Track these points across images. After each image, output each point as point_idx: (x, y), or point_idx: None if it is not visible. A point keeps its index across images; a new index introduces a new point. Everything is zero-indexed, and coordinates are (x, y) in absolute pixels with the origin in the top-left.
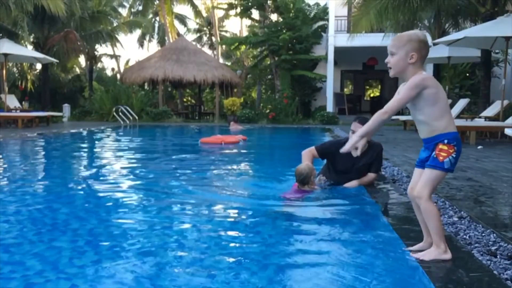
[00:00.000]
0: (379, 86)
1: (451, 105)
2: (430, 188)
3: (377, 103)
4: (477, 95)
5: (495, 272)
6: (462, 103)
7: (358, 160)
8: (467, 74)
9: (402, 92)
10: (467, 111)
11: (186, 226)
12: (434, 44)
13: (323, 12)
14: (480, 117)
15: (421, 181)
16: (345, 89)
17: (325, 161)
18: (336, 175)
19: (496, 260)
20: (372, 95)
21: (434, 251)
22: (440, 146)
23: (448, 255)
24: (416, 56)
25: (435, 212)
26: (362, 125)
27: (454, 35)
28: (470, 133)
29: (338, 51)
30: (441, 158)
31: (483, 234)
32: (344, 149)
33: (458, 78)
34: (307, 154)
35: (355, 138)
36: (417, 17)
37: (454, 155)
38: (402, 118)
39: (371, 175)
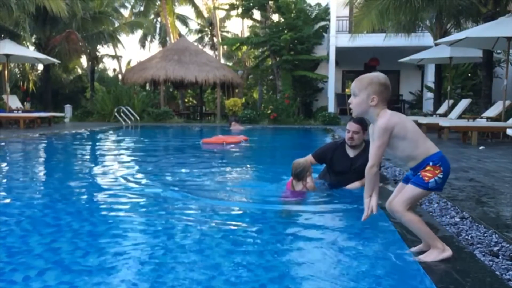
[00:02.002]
0: None
1: (453, 106)
2: (407, 204)
3: None
4: (478, 95)
5: (497, 272)
6: (463, 103)
7: (356, 161)
8: (469, 75)
9: (376, 141)
10: (469, 111)
11: (188, 226)
12: (436, 45)
13: (325, 13)
14: (481, 118)
15: (401, 195)
16: (347, 90)
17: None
18: (336, 177)
19: (498, 261)
20: None
21: (433, 252)
22: (427, 168)
23: (447, 253)
24: (377, 99)
25: (416, 220)
26: (357, 124)
27: (455, 36)
28: (471, 133)
29: (340, 51)
30: (426, 178)
31: (485, 235)
32: (364, 218)
33: (459, 78)
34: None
35: (366, 201)
36: (419, 17)
37: (440, 176)
38: None
39: None
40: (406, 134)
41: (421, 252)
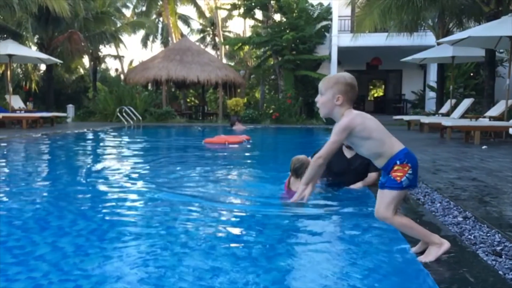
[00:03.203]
0: (383, 86)
1: (456, 105)
2: (391, 208)
3: (381, 103)
4: (481, 94)
5: (500, 272)
6: (466, 102)
7: (353, 161)
8: (471, 74)
9: (332, 136)
10: (472, 111)
11: (190, 226)
12: (438, 44)
13: (327, 12)
14: (484, 117)
15: (382, 202)
16: None
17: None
18: (335, 177)
19: (501, 260)
20: (375, 95)
21: (432, 250)
22: (395, 167)
23: (445, 246)
24: (342, 98)
25: (407, 222)
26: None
27: (458, 35)
28: (474, 133)
29: (342, 51)
30: (398, 178)
31: (488, 234)
32: (293, 200)
33: (462, 77)
34: None
35: (301, 187)
36: (421, 16)
37: (410, 172)
38: (406, 118)
39: (372, 175)
40: (370, 134)
41: (422, 252)
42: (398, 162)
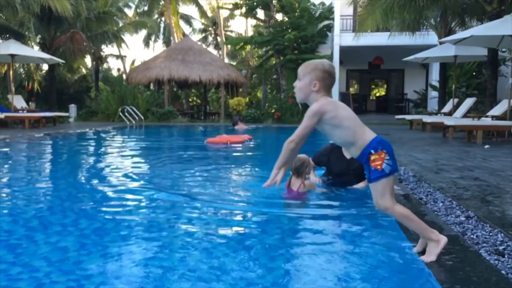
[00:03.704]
0: (385, 86)
1: (458, 104)
2: (388, 196)
3: (383, 103)
4: (483, 94)
5: (503, 272)
6: (468, 102)
7: (353, 162)
8: (474, 73)
9: (303, 121)
10: (474, 110)
11: (192, 226)
12: (441, 43)
13: (329, 12)
14: (487, 116)
15: (376, 195)
16: (351, 89)
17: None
18: (336, 178)
19: (504, 260)
20: (378, 94)
21: (431, 248)
22: (372, 157)
23: (443, 241)
24: (319, 84)
25: (407, 213)
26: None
27: (460, 34)
28: (477, 132)
29: (344, 50)
30: (378, 167)
31: (491, 234)
32: (265, 185)
33: (464, 77)
34: None
35: (274, 172)
36: (423, 16)
37: (387, 157)
38: (408, 117)
39: None
40: (341, 122)
41: (423, 251)
42: (372, 151)
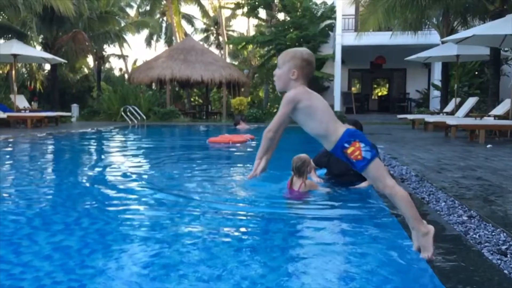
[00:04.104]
0: (387, 85)
1: (460, 104)
2: (384, 177)
3: (385, 102)
4: (486, 93)
5: (505, 271)
6: (471, 101)
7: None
8: (476, 73)
9: (280, 109)
10: (476, 109)
11: (193, 225)
12: (443, 43)
13: (331, 11)
14: (489, 116)
15: (373, 180)
16: (353, 88)
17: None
18: (337, 178)
19: (506, 260)
20: (380, 94)
21: (425, 241)
22: (348, 151)
23: (432, 232)
24: (297, 73)
25: (406, 196)
26: (351, 126)
27: (462, 33)
28: (479, 132)
29: (346, 50)
30: (359, 157)
31: (493, 233)
32: (249, 176)
33: (467, 76)
34: None
35: (256, 162)
36: (425, 15)
37: (363, 145)
38: (410, 117)
39: None
40: (315, 112)
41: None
42: (346, 145)
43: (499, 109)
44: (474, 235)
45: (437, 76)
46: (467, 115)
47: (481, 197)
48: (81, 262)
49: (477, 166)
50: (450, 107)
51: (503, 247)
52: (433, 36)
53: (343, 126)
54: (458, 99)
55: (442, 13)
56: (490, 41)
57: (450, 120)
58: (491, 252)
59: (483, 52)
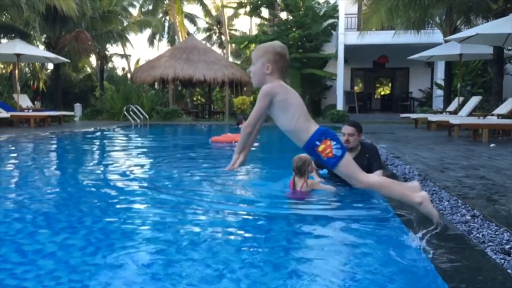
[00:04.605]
0: (390, 84)
1: (463, 103)
2: (356, 172)
3: (388, 101)
4: (489, 92)
5: (509, 271)
6: (474, 100)
7: None
8: (479, 72)
9: (257, 103)
10: (480, 108)
11: (197, 225)
12: (446, 42)
13: (333, 10)
14: (492, 115)
15: (348, 177)
16: (356, 87)
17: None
18: (339, 178)
19: (510, 259)
20: (382, 93)
21: (426, 209)
22: (319, 149)
23: (426, 197)
24: (271, 67)
25: (387, 181)
26: (351, 127)
27: (466, 32)
28: (482, 131)
29: (348, 49)
30: (330, 155)
31: (497, 233)
32: (226, 169)
33: (470, 75)
34: None
35: (234, 156)
36: (428, 14)
37: (334, 143)
38: (413, 116)
39: (378, 173)
40: (289, 107)
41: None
42: (317, 143)
43: (503, 108)
44: (478, 235)
45: (440, 75)
46: (470, 114)
47: (484, 197)
48: (84, 261)
49: (481, 165)
50: (453, 106)
51: (507, 247)
52: (436, 35)
53: (315, 124)
54: (461, 98)
55: (445, 12)
56: (494, 40)
57: (453, 119)
58: (495, 251)
59: (486, 51)
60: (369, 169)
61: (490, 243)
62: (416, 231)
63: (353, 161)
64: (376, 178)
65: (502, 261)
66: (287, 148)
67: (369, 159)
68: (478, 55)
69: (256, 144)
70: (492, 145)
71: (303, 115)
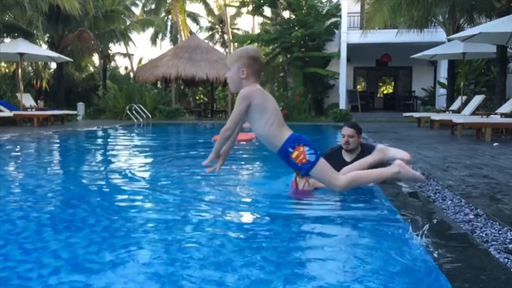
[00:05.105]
0: (393, 83)
1: (466, 102)
2: (333, 175)
3: (391, 100)
4: (492, 91)
5: None
6: (477, 99)
7: None
8: (482, 70)
9: (235, 107)
10: (483, 107)
11: (199, 223)
12: (449, 40)
13: (336, 9)
14: (495, 114)
15: (325, 182)
16: (358, 86)
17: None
18: None
19: None
20: (385, 92)
21: (404, 176)
22: (293, 156)
23: (399, 166)
24: (246, 71)
25: (358, 174)
26: (351, 128)
27: (469, 31)
28: (485, 130)
29: (351, 48)
30: (304, 161)
31: (500, 232)
32: (207, 171)
33: (473, 74)
34: None
35: (210, 156)
36: (431, 12)
37: (307, 149)
38: (416, 115)
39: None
40: (264, 111)
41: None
42: (290, 150)
43: (506, 107)
44: (481, 234)
45: (443, 74)
46: (473, 113)
47: (487, 195)
48: (87, 260)
49: (484, 164)
50: (456, 105)
51: (510, 246)
52: (439, 34)
53: (288, 131)
54: (464, 97)
55: (448, 11)
56: (497, 39)
57: (456, 118)
58: (498, 250)
59: (490, 50)
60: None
61: (493, 242)
62: (419, 230)
63: (328, 166)
64: (348, 176)
65: (506, 260)
66: None
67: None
68: (481, 53)
69: (257, 144)
70: (495, 144)
71: (277, 121)
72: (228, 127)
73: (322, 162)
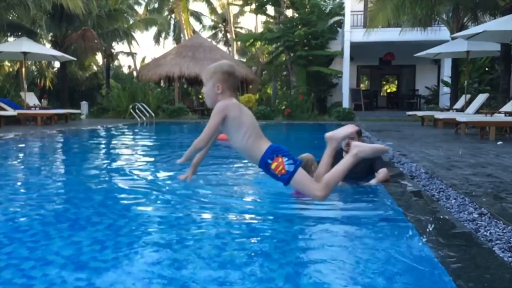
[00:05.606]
0: (396, 82)
1: (470, 100)
2: (312, 185)
3: (394, 99)
4: (496, 90)
5: None
6: (481, 98)
7: (354, 167)
8: (486, 69)
9: (210, 120)
10: (487, 106)
11: (203, 222)
12: (453, 39)
13: (339, 7)
14: (499, 113)
15: (305, 192)
16: (362, 85)
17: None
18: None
19: None
20: (388, 90)
21: (365, 153)
22: (272, 167)
23: (356, 146)
24: (221, 86)
25: (328, 176)
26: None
27: (473, 29)
28: (489, 128)
29: (354, 46)
30: (283, 171)
31: (504, 231)
32: (181, 177)
33: (477, 72)
34: None
35: (181, 159)
36: (435, 11)
37: (285, 159)
38: (420, 113)
39: (383, 171)
40: (240, 125)
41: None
42: (269, 161)
43: (510, 106)
44: (485, 233)
45: (446, 72)
46: (477, 112)
47: (491, 194)
48: (92, 258)
49: (488, 163)
50: (460, 103)
51: None
52: (443, 32)
53: (266, 142)
54: (468, 96)
55: (452, 9)
56: (501, 37)
57: (460, 117)
58: (502, 249)
59: (494, 48)
60: (371, 169)
61: (497, 241)
62: (423, 229)
63: (307, 175)
64: (321, 184)
65: (510, 259)
66: (291, 147)
67: (370, 160)
68: (485, 52)
69: None
70: (499, 142)
71: (254, 134)
72: (201, 139)
73: (301, 172)
